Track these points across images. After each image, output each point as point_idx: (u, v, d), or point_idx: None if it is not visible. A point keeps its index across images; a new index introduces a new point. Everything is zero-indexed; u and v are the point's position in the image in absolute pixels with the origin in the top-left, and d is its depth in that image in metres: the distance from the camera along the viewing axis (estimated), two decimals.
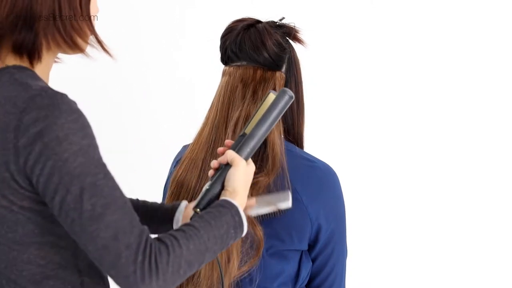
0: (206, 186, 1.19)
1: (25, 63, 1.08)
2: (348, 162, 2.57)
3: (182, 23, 2.57)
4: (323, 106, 2.53)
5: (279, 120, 1.35)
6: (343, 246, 1.41)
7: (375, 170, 2.63)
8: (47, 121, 0.98)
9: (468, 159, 2.62)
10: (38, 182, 1.00)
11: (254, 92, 1.36)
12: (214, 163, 1.21)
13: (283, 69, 1.39)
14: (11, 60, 1.08)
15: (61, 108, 0.99)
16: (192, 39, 2.55)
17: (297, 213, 1.32)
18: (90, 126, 1.03)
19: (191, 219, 1.14)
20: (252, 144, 1.20)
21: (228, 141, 1.24)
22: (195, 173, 1.38)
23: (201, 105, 1.45)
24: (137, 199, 1.38)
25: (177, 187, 1.40)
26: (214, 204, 1.14)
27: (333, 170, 1.39)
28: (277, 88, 1.37)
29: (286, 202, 1.27)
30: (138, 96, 2.54)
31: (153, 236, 1.05)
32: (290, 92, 1.22)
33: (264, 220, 1.32)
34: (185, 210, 1.33)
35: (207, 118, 1.41)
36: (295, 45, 1.43)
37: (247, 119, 1.35)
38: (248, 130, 1.23)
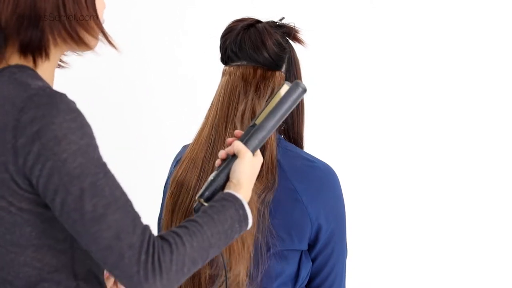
0: (211, 177, 1.17)
1: (29, 63, 1.08)
2: (348, 162, 2.57)
3: (183, 21, 2.57)
4: (323, 106, 2.53)
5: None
6: (343, 246, 1.41)
7: (375, 170, 2.62)
8: (45, 120, 0.97)
9: (468, 159, 2.62)
10: (38, 183, 0.99)
11: (257, 87, 1.36)
12: (221, 153, 1.19)
13: (283, 69, 1.39)
14: (15, 59, 1.07)
15: (59, 107, 0.98)
16: (194, 37, 2.56)
17: (297, 213, 1.32)
18: (89, 125, 1.02)
19: (194, 211, 1.14)
20: (261, 136, 1.18)
21: (238, 132, 1.22)
22: (195, 173, 1.38)
23: (203, 103, 1.45)
24: None
25: (177, 187, 1.40)
26: (217, 197, 1.12)
27: (333, 170, 1.39)
28: (275, 88, 1.37)
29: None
30: (140, 94, 2.54)
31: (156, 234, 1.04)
32: (303, 85, 1.20)
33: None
34: None
35: (207, 117, 1.41)
36: (295, 45, 1.44)
37: (253, 111, 1.34)
38: (258, 121, 1.19)
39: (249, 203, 1.26)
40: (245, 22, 1.40)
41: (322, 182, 1.36)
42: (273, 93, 1.27)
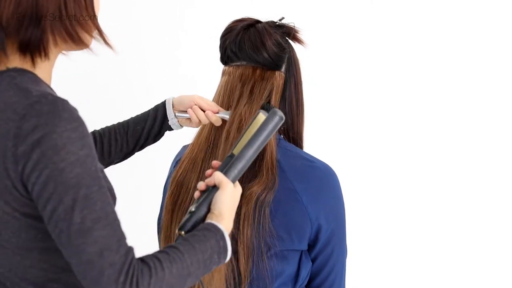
0: (191, 208, 1.16)
1: (28, 62, 1.08)
2: (348, 162, 2.57)
3: (183, 21, 2.57)
4: (322, 106, 2.53)
5: None
6: (343, 246, 1.41)
7: (375, 170, 2.63)
8: (46, 128, 0.97)
9: (468, 158, 2.62)
10: (33, 190, 0.99)
11: (251, 92, 1.36)
12: (201, 185, 1.18)
13: (283, 69, 1.39)
14: (15, 59, 1.07)
15: (62, 115, 0.98)
16: (194, 37, 2.56)
17: (297, 213, 1.32)
18: (90, 135, 1.02)
19: (175, 241, 1.13)
20: (240, 166, 1.17)
21: (215, 162, 1.22)
22: (195, 173, 1.38)
23: None
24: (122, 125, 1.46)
25: (177, 187, 1.40)
26: (199, 227, 1.12)
27: (333, 170, 1.39)
28: (274, 88, 1.37)
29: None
30: (140, 94, 2.54)
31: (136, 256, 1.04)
32: (280, 113, 1.20)
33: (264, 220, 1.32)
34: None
35: None
36: (295, 45, 1.44)
37: (240, 125, 1.34)
38: (236, 151, 1.19)
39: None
40: (245, 22, 1.40)
41: (322, 182, 1.36)
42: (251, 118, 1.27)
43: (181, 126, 1.49)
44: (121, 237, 1.01)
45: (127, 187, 2.27)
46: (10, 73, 1.05)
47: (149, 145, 1.53)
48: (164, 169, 1.65)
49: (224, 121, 1.38)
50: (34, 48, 1.06)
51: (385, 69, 2.61)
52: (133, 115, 1.54)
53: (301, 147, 1.45)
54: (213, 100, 1.42)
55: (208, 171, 1.21)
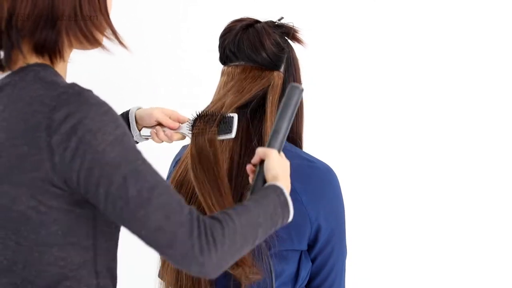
0: (249, 192, 1.20)
1: (46, 61, 1.09)
2: (348, 162, 2.57)
3: (185, 19, 2.57)
4: (322, 106, 2.53)
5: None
6: (343, 245, 1.41)
7: (374, 170, 2.62)
8: (78, 115, 0.99)
9: (467, 158, 2.61)
10: (78, 178, 1.00)
11: (242, 86, 1.37)
12: (249, 167, 1.22)
13: (282, 68, 1.39)
14: (33, 58, 1.08)
15: (90, 102, 1.00)
16: (196, 34, 2.56)
17: (296, 213, 1.32)
18: (121, 118, 1.04)
19: None
20: (280, 137, 1.22)
21: (250, 166, 1.24)
22: None
23: (205, 102, 1.45)
24: None
25: (177, 187, 1.40)
26: (259, 189, 1.16)
27: (333, 170, 1.39)
28: (271, 87, 1.37)
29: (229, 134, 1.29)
30: (142, 92, 2.54)
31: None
32: (298, 85, 1.24)
33: None
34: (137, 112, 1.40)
35: None
36: (294, 45, 1.43)
37: (225, 105, 1.36)
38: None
39: None
40: (244, 22, 1.40)
41: (321, 182, 1.36)
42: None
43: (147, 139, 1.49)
44: (180, 199, 1.03)
45: None
46: (33, 67, 1.06)
47: None
48: (164, 169, 1.65)
49: None
50: (49, 49, 1.07)
51: (384, 69, 2.60)
52: None
53: (300, 147, 1.45)
54: (212, 101, 1.42)
55: (249, 166, 1.24)
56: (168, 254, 1.01)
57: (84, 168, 0.99)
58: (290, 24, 1.42)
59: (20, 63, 1.08)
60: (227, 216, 1.05)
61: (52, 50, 1.07)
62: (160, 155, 1.95)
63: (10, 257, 1.06)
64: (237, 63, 1.39)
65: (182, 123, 1.40)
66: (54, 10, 1.05)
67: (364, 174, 2.61)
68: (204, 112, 1.35)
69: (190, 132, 1.34)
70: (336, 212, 1.38)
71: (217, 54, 1.44)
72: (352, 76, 2.60)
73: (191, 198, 1.38)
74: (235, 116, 1.31)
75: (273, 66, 1.38)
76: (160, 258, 1.42)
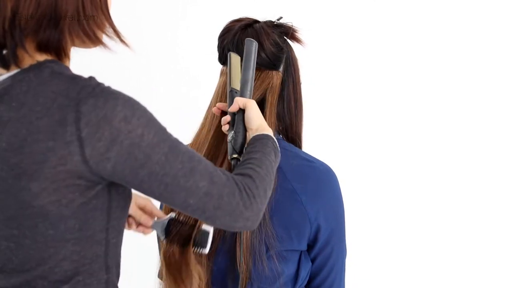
0: (230, 137, 1.26)
1: (54, 58, 1.09)
2: (347, 162, 2.57)
3: (184, 18, 2.57)
4: (321, 106, 2.53)
5: (276, 119, 1.38)
6: (342, 246, 1.41)
7: (374, 170, 2.62)
8: (107, 105, 1.00)
9: (467, 158, 2.62)
10: (115, 166, 1.01)
11: None
12: (225, 118, 1.30)
13: (281, 68, 1.39)
14: (43, 56, 1.08)
15: (114, 92, 1.02)
16: (195, 34, 2.56)
17: (296, 213, 1.32)
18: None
19: (233, 167, 1.25)
20: (249, 87, 1.29)
21: (221, 104, 1.33)
22: None
23: (204, 102, 1.46)
24: None
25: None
26: (251, 141, 1.23)
27: (332, 170, 1.39)
28: (270, 88, 1.37)
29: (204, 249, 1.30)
30: (140, 91, 2.50)
31: None
32: (252, 40, 1.32)
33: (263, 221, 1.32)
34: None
35: (206, 118, 1.42)
36: (294, 45, 1.43)
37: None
38: (234, 84, 1.31)
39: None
40: (243, 22, 1.40)
41: (321, 182, 1.36)
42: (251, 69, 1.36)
43: None
44: (211, 162, 1.10)
45: None
46: (46, 64, 1.06)
47: None
48: None
49: (219, 119, 1.37)
50: (53, 48, 1.07)
51: (384, 68, 2.60)
52: None
53: (300, 147, 1.45)
54: (211, 101, 1.42)
55: (215, 109, 1.33)
56: (216, 216, 1.07)
57: (123, 154, 1.00)
58: (289, 24, 1.42)
59: (28, 61, 1.07)
60: (252, 170, 1.13)
61: (57, 49, 1.07)
62: None
63: (23, 255, 1.06)
64: None
65: (156, 217, 1.36)
66: (58, 9, 1.05)
67: (364, 174, 2.61)
68: (181, 219, 1.32)
69: (163, 235, 1.33)
70: (336, 212, 1.38)
71: (216, 54, 1.44)
72: (351, 76, 2.60)
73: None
74: (211, 230, 1.30)
75: (272, 66, 1.37)
76: (160, 258, 1.41)
